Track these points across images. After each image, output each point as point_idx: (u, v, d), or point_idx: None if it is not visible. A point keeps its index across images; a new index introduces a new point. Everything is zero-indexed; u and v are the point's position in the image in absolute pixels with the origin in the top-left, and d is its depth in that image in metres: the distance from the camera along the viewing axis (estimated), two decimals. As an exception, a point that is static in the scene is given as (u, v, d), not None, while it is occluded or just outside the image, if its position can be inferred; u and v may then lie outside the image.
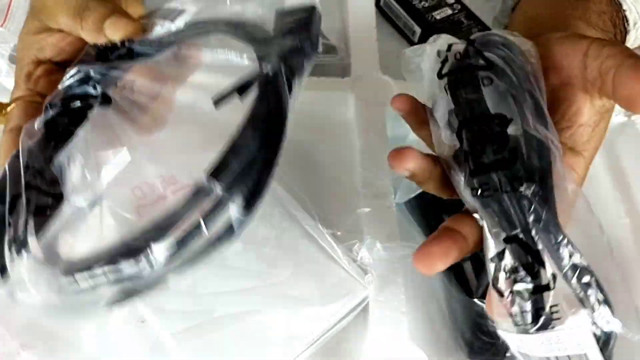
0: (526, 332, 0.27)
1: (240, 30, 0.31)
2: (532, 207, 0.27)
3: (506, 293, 0.27)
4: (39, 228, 0.28)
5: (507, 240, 0.28)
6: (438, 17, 0.56)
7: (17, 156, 0.31)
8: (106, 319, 0.34)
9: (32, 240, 0.27)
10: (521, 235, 0.27)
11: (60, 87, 0.33)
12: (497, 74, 0.31)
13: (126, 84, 0.32)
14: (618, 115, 0.51)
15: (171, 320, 0.35)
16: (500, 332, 0.29)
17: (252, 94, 0.28)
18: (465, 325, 0.44)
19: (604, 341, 0.26)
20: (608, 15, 0.37)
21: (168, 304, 0.35)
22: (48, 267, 0.26)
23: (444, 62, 0.32)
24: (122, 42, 0.32)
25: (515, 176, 0.28)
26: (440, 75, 0.32)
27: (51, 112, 0.32)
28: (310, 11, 0.31)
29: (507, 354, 0.41)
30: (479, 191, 0.29)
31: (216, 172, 0.26)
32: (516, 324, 0.27)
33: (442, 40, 0.33)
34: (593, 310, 0.26)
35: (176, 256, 0.26)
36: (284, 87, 0.28)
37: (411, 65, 0.34)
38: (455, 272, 0.46)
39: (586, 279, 0.26)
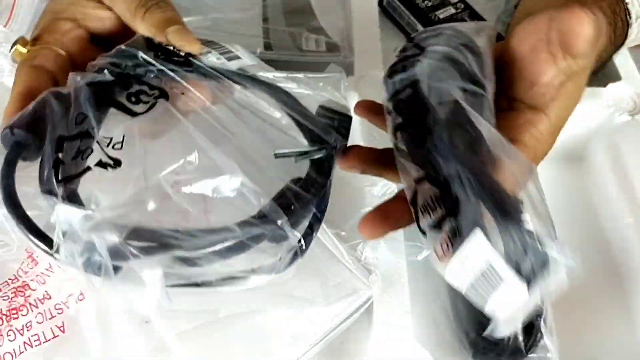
0: (449, 262, 0.27)
1: (294, 103, 0.36)
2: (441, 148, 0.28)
3: (427, 230, 0.28)
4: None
5: (417, 181, 0.29)
6: (441, 16, 0.56)
7: (57, 97, 0.30)
8: (110, 318, 0.34)
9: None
10: (428, 172, 0.29)
11: (107, 56, 0.33)
12: (428, 54, 0.32)
13: (178, 88, 0.33)
14: (622, 115, 0.51)
15: (175, 320, 0.35)
16: (440, 270, 0.28)
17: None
18: (469, 325, 0.43)
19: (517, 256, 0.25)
20: (607, 2, 0.37)
21: (173, 304, 0.35)
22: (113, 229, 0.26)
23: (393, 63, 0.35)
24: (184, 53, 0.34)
25: (425, 124, 0.29)
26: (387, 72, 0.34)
27: (104, 77, 0.32)
28: (349, 120, 0.37)
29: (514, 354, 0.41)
30: (397, 145, 0.31)
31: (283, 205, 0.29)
32: (438, 256, 0.27)
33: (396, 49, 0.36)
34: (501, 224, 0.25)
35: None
36: (332, 168, 0.34)
37: None
38: (459, 272, 0.46)
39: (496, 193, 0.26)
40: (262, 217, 0.29)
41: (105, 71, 0.32)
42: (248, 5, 0.56)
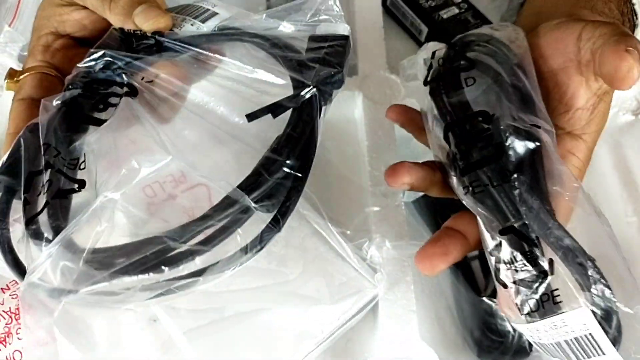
0: (534, 320, 0.27)
1: (275, 47, 0.32)
2: (522, 196, 0.27)
3: (509, 284, 0.28)
4: (61, 212, 0.28)
5: (502, 232, 0.28)
6: (445, 17, 0.56)
7: (32, 131, 0.30)
8: (117, 317, 0.34)
9: (51, 223, 0.27)
10: (515, 225, 0.28)
11: (80, 66, 0.32)
12: (481, 71, 0.31)
13: (149, 76, 0.32)
14: (625, 114, 0.51)
15: (182, 319, 0.35)
16: (514, 325, 0.29)
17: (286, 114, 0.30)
18: (474, 324, 0.44)
19: (605, 318, 0.26)
20: (615, 3, 0.37)
21: (179, 303, 0.36)
22: (68, 253, 0.26)
23: (429, 70, 0.33)
24: (152, 33, 0.32)
25: (503, 168, 0.28)
26: (425, 83, 0.33)
27: (72, 92, 0.31)
28: (344, 42, 0.32)
29: (518, 352, 0.42)
30: (470, 188, 0.29)
31: (248, 186, 0.27)
32: (523, 314, 0.28)
33: (427, 48, 0.33)
34: (589, 289, 0.26)
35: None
36: (317, 112, 0.30)
37: (408, 76, 0.35)
38: (463, 271, 0.46)
39: (580, 259, 0.26)
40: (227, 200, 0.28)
41: (72, 92, 0.32)
42: (253, 6, 0.56)
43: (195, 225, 0.27)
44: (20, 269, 0.29)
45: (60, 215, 0.28)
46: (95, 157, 0.30)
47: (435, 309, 0.45)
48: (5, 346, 0.33)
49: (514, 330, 0.42)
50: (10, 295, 0.35)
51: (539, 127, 0.29)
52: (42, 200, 0.29)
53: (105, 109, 0.32)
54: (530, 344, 0.41)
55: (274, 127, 0.30)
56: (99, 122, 0.31)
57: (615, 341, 0.27)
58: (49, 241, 0.27)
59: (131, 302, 0.27)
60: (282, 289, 0.38)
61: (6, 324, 0.34)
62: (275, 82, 0.31)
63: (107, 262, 0.26)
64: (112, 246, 0.27)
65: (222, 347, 0.35)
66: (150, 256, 0.26)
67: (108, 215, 0.28)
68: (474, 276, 0.46)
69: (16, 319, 0.34)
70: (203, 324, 0.35)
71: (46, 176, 0.29)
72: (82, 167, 0.30)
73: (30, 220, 0.28)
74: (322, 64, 0.30)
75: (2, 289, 0.35)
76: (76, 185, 0.29)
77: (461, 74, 0.31)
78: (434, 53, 0.33)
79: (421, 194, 0.45)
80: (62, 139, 0.30)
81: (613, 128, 0.51)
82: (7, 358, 0.33)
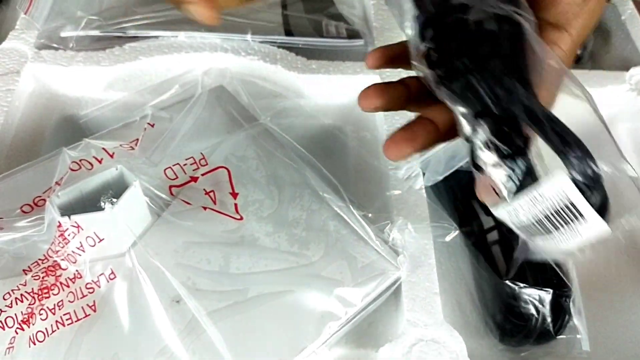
0: (513, 200, 0.26)
1: None
2: (501, 81, 0.26)
3: (487, 168, 0.27)
4: None
5: (477, 115, 0.27)
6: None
7: None
8: (140, 297, 0.34)
9: None
10: (491, 108, 0.27)
11: None
12: None
13: None
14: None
15: (206, 300, 0.35)
16: (494, 212, 0.28)
17: None
18: (495, 308, 0.43)
19: (588, 186, 0.24)
20: None
21: (202, 284, 0.35)
22: None
23: None
24: None
25: (480, 54, 0.27)
26: None
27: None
28: None
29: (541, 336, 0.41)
30: (446, 79, 0.28)
31: None
32: (502, 196, 0.27)
33: None
34: (567, 155, 0.24)
35: None
36: None
37: None
38: (484, 255, 0.45)
39: (558, 129, 0.25)
40: None
41: None
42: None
43: None
44: None
45: None
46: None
47: (456, 293, 0.44)
48: (28, 326, 0.33)
49: (538, 313, 0.42)
50: (32, 276, 0.34)
51: (519, 15, 0.28)
52: None
53: None
54: (554, 327, 0.41)
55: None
56: None
57: (603, 208, 0.25)
58: None
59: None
60: (304, 272, 0.37)
61: (29, 304, 0.33)
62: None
63: None
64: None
65: (246, 328, 0.34)
66: None
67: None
68: (494, 260, 0.46)
69: (39, 299, 0.33)
70: (226, 305, 0.35)
71: None
72: None
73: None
74: None
75: (24, 270, 0.35)
76: None
77: None
78: None
79: (440, 178, 0.45)
80: None
81: (632, 112, 0.51)
82: (30, 339, 0.33)
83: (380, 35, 0.52)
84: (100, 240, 0.34)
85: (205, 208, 0.38)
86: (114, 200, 0.34)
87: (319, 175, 0.42)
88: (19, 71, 0.48)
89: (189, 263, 0.36)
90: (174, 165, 0.40)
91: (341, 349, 0.37)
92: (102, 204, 0.33)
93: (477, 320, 0.44)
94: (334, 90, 0.49)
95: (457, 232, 0.40)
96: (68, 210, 0.34)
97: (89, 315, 0.34)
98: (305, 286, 0.37)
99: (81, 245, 0.34)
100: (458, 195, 0.47)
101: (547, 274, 0.42)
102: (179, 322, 0.34)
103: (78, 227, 0.33)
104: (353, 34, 0.53)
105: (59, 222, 0.33)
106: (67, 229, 0.33)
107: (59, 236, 0.34)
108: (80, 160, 0.38)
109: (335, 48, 0.52)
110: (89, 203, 0.35)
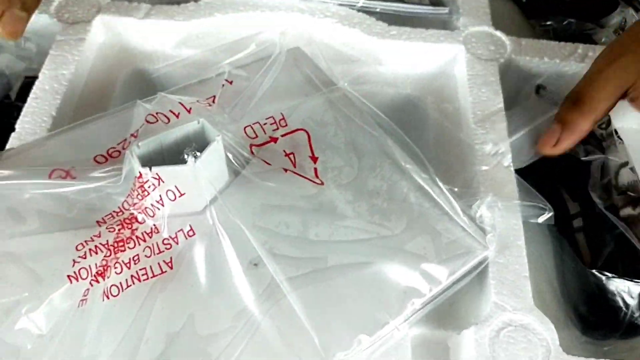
0: None
1: None
2: None
3: None
4: None
5: None
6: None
7: None
8: (219, 258, 0.32)
9: None
10: None
11: None
12: None
13: None
14: None
15: (284, 265, 0.33)
16: None
17: None
18: (579, 298, 0.41)
19: None
20: None
21: (280, 249, 0.34)
22: None
23: None
24: None
25: None
26: None
27: None
28: None
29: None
30: None
31: None
32: None
33: None
34: None
35: None
36: None
37: None
38: (568, 242, 0.43)
39: None
40: None
41: None
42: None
43: None
44: None
45: None
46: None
47: (536, 281, 0.42)
48: (103, 279, 0.31)
49: (626, 306, 0.39)
50: (107, 228, 0.33)
51: None
52: None
53: None
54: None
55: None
56: None
57: None
58: None
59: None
60: (386, 244, 0.35)
61: (104, 257, 0.32)
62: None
63: None
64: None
65: (326, 297, 0.32)
66: None
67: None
68: (578, 248, 0.43)
69: (114, 252, 0.32)
70: (306, 272, 0.33)
71: None
72: None
73: None
74: None
75: (97, 222, 0.34)
76: None
77: None
78: None
79: (525, 164, 0.42)
80: None
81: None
82: (104, 292, 0.31)
83: (466, 4, 0.49)
84: (182, 195, 0.32)
85: (285, 170, 0.36)
86: (197, 153, 0.32)
87: (400, 145, 0.40)
88: (90, 21, 0.46)
89: (267, 226, 0.34)
90: (254, 124, 0.38)
91: (421, 329, 0.35)
92: (185, 156, 0.32)
93: (557, 310, 0.41)
94: (415, 58, 0.47)
95: (552, 213, 0.37)
96: (147, 162, 0.32)
97: (165, 272, 0.32)
98: (387, 259, 0.34)
99: (160, 199, 0.32)
100: (545, 183, 0.44)
101: (640, 265, 0.39)
102: (258, 286, 0.32)
103: (159, 179, 0.32)
104: (437, 2, 0.50)
105: (139, 173, 0.32)
106: (147, 180, 0.32)
107: (138, 187, 0.32)
108: (156, 113, 0.37)
109: (418, 15, 0.49)
110: (168, 156, 0.34)
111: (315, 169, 0.37)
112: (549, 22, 0.55)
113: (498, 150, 0.40)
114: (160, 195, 0.32)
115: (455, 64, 0.47)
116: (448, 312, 0.36)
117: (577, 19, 0.55)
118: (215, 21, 0.47)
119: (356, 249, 0.35)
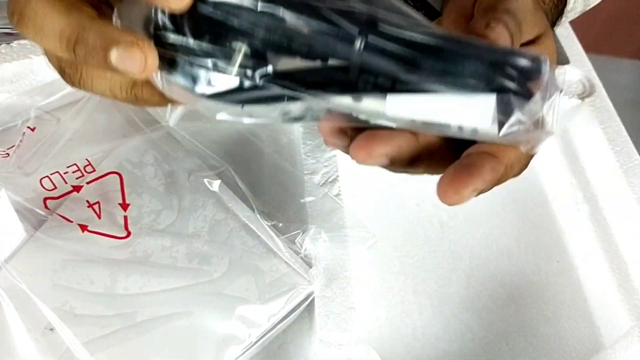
0: None
1: None
2: None
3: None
4: None
5: None
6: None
7: None
8: (8, 326, 0.29)
9: None
10: None
11: None
12: None
13: None
14: (572, 98, 0.49)
15: (84, 326, 0.30)
16: None
17: None
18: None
19: None
20: None
21: (82, 309, 0.31)
22: None
23: None
24: None
25: None
26: None
27: None
28: None
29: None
30: None
31: None
32: None
33: None
34: None
35: None
36: None
37: None
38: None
39: None
40: None
41: None
42: None
43: None
44: None
45: None
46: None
47: (378, 306, 0.41)
48: None
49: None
50: None
51: None
52: None
53: None
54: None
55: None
56: None
57: None
58: None
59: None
60: (204, 289, 0.33)
61: None
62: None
63: None
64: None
65: (131, 357, 0.30)
66: None
67: None
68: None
69: None
70: (108, 332, 0.30)
71: None
72: None
73: None
74: None
75: None
76: None
77: None
78: None
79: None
80: None
81: (560, 113, 0.49)
82: None
83: None
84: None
85: (83, 229, 0.33)
86: (-29, 214, 0.29)
87: (226, 183, 0.38)
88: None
89: (69, 284, 0.32)
90: (52, 174, 0.35)
91: (248, 375, 0.33)
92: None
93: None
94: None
95: (375, 239, 0.36)
96: None
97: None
98: (204, 306, 0.33)
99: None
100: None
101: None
102: (52, 354, 0.29)
103: None
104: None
105: None
106: None
107: None
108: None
109: None
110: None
111: (126, 217, 0.35)
112: None
113: (327, 179, 0.40)
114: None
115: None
116: (277, 353, 0.35)
117: None
118: (30, 64, 0.44)
119: (170, 299, 0.32)
